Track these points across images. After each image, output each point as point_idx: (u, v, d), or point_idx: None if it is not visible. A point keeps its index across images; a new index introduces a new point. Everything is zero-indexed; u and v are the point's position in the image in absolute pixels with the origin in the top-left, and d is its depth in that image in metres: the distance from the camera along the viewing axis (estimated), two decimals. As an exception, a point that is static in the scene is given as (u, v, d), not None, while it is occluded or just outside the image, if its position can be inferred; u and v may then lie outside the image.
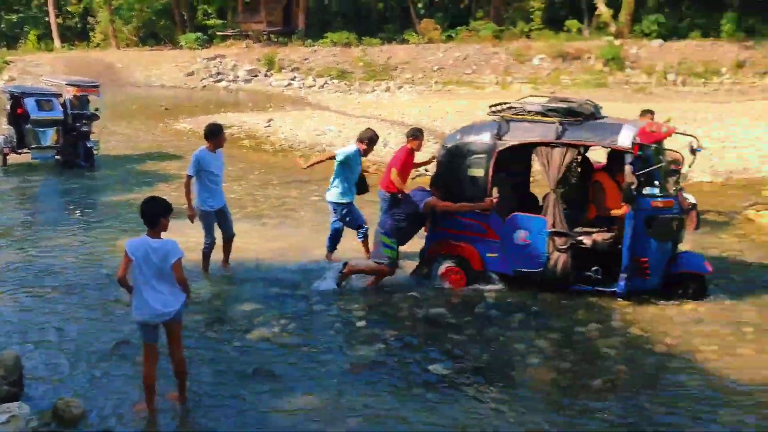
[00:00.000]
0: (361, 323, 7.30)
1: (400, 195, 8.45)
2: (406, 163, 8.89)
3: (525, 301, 7.86)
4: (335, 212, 9.00)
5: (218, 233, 8.73)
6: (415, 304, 7.83)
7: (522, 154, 8.47)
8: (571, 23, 31.73)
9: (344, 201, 8.93)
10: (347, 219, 8.99)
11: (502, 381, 6.23)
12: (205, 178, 8.41)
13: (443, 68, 28.20)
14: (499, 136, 7.84)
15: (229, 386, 6.03)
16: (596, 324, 7.31)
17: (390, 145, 15.72)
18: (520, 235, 7.85)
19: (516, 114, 7.96)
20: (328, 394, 5.94)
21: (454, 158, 8.07)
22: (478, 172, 7.93)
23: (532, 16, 37.32)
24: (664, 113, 19.09)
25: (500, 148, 7.84)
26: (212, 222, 8.60)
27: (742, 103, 20.71)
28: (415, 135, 9.05)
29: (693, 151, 7.80)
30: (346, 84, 29.08)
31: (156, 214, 5.29)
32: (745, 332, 7.05)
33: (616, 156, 7.95)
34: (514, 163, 8.54)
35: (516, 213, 7.97)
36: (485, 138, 7.92)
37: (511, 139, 7.85)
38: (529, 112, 7.92)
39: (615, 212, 7.93)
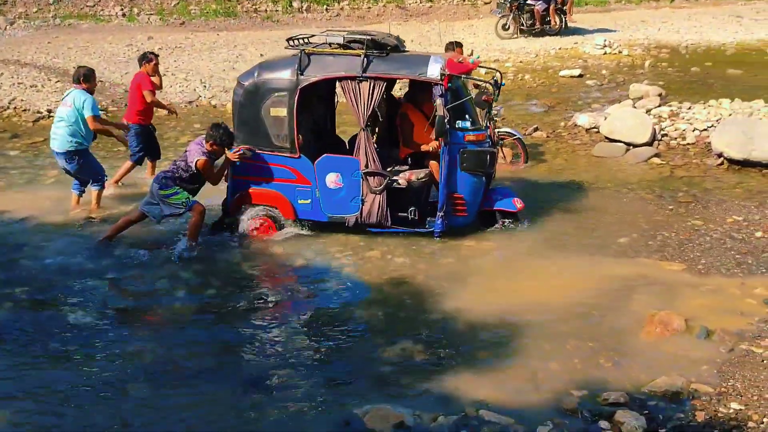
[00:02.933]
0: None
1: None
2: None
3: (167, 237, 7.75)
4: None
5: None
6: (50, 256, 7.28)
7: (324, 91, 8.06)
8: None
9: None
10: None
11: (146, 319, 6.16)
12: None
13: (61, 1, 25.91)
14: (301, 72, 7.26)
15: None
16: (240, 249, 7.49)
17: (4, 86, 14.16)
18: (332, 179, 7.42)
19: (317, 47, 7.45)
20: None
21: (253, 98, 7.39)
22: (281, 112, 7.31)
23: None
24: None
25: (303, 85, 7.27)
26: None
27: (359, 27, 22.16)
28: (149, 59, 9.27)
29: (497, 85, 7.72)
30: (-57, 21, 25.41)
31: None
32: (375, 236, 7.74)
33: (419, 86, 7.68)
34: (316, 101, 8.09)
35: (327, 155, 7.50)
36: (286, 74, 7.31)
37: (314, 75, 7.30)
38: (330, 44, 7.46)
39: (425, 147, 7.64)
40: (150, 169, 9.36)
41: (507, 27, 19.49)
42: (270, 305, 6.48)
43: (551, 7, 19.30)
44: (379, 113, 8.04)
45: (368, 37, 7.33)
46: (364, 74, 7.19)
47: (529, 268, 6.93)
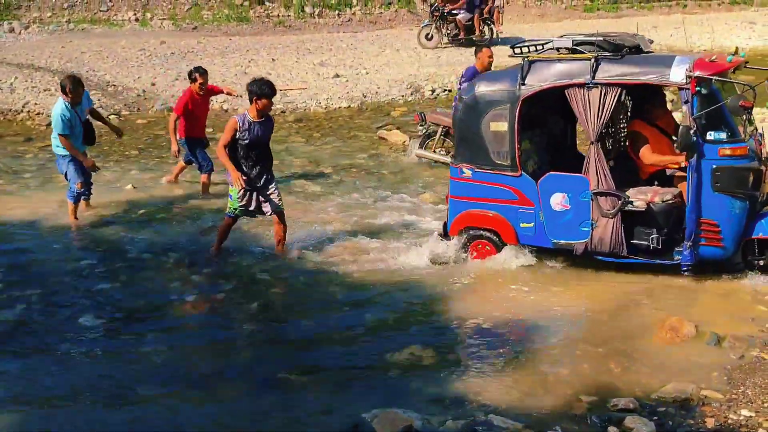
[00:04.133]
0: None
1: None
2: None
3: (179, 240, 7.79)
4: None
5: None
6: (62, 258, 7.35)
7: (559, 102, 7.03)
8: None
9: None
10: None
11: (156, 321, 6.18)
12: None
13: (74, 5, 26.10)
14: (522, 81, 6.59)
15: None
16: (257, 251, 7.48)
17: (18, 90, 14.28)
18: (558, 200, 6.62)
19: (541, 53, 6.74)
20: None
21: (473, 113, 6.81)
22: (501, 126, 6.68)
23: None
24: (303, 43, 19.90)
25: (525, 96, 6.59)
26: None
27: (370, 32, 22.21)
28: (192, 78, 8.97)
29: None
30: (-43, 26, 25.65)
31: None
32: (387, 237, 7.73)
33: (647, 95, 6.98)
34: (549, 114, 7.46)
35: (551, 173, 6.75)
36: (506, 85, 6.69)
37: (536, 83, 6.56)
38: (558, 49, 6.74)
39: (662, 160, 6.78)
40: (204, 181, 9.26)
41: (430, 36, 19.41)
42: (279, 308, 6.51)
43: (476, 17, 19.09)
44: (618, 125, 7.42)
45: (600, 38, 6.59)
46: (593, 80, 6.40)
47: (540, 274, 6.91)
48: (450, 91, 15.05)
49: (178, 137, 9.00)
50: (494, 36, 19.42)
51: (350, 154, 11.02)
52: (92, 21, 24.49)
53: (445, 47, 19.19)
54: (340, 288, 6.78)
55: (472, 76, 9.31)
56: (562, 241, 6.73)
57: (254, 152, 6.96)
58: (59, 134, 7.93)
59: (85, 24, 24.18)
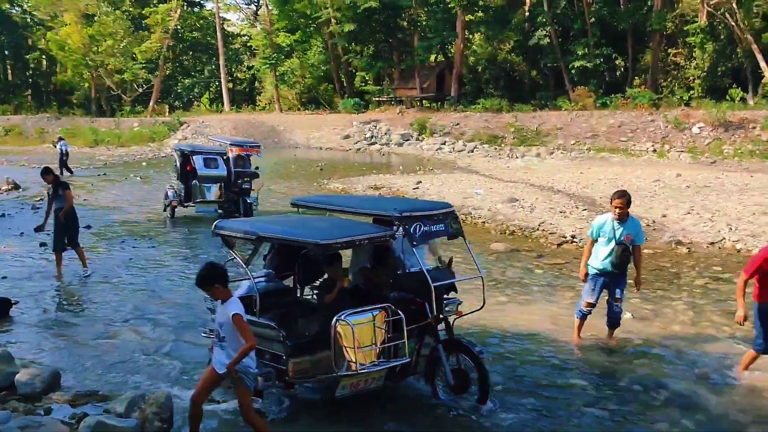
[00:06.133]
0: (497, 387, 7.20)
1: None
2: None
3: (670, 379, 7.49)
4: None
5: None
6: (555, 373, 7.65)
7: None
8: (734, 92, 30.50)
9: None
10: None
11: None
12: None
13: (596, 135, 27.79)
14: None
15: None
16: (752, 410, 6.82)
17: (537, 209, 15.58)
18: None
19: None
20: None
21: None
22: None
23: (692, 85, 36.23)
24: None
25: None
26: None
27: None
28: None
29: None
30: (495, 149, 29.36)
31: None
32: None
33: None
34: None
35: None
36: None
37: None
38: None
39: None
40: None
41: None
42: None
43: None
44: None
45: None
46: None
47: None
48: None
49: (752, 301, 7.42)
50: None
51: None
52: (611, 150, 25.69)
53: None
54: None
55: None
56: None
57: None
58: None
59: (605, 152, 25.47)
